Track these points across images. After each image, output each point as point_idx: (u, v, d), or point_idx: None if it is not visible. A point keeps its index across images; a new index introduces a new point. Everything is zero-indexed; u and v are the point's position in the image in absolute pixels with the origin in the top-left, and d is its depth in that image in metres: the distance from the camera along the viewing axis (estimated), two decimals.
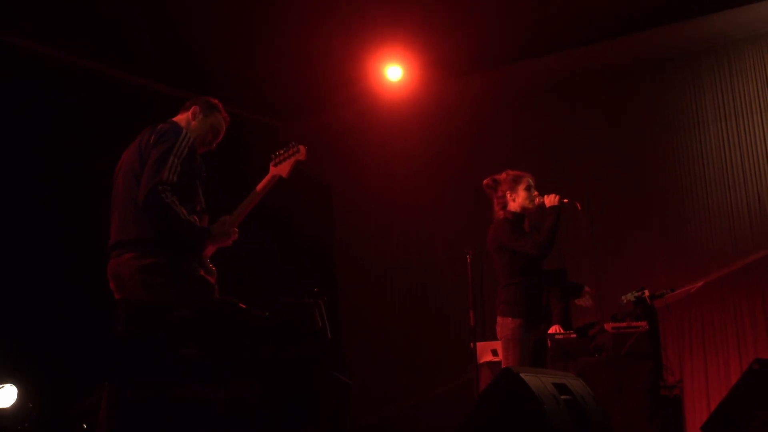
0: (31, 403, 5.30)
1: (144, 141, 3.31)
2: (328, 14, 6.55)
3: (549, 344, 5.04)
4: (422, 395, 7.91)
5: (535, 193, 4.52)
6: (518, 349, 4.28)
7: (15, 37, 6.41)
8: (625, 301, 5.92)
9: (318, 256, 8.57)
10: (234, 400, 3.06)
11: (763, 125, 6.97)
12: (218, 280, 3.38)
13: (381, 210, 8.65)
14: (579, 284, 4.88)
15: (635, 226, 7.37)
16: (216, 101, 3.62)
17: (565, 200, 4.43)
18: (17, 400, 5.25)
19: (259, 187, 3.51)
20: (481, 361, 5.85)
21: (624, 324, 5.60)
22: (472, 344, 5.48)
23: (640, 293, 5.84)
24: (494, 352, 5.79)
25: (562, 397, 3.08)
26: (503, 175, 4.60)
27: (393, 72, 7.54)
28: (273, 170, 3.53)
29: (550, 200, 4.42)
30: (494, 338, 4.75)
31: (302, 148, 3.53)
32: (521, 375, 2.99)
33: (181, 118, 3.53)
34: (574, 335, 5.49)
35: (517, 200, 4.53)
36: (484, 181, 4.65)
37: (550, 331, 5.27)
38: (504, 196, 4.57)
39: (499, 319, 4.40)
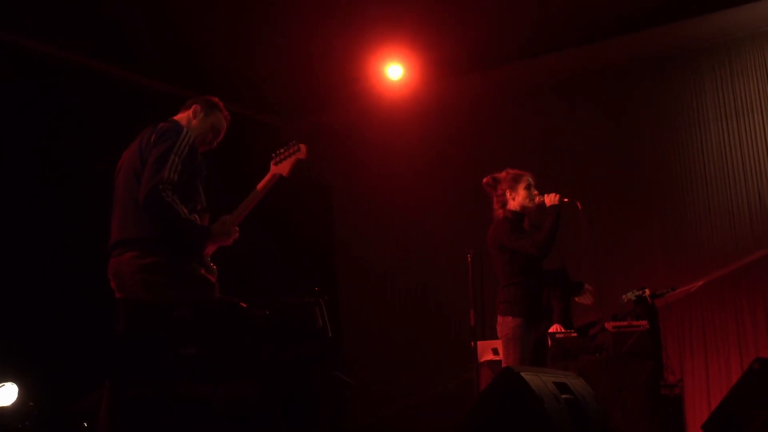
0: (31, 401, 5.30)
1: (145, 140, 3.31)
2: (328, 14, 6.55)
3: (549, 343, 5.04)
4: (422, 395, 7.90)
5: (535, 192, 4.52)
6: (519, 348, 4.27)
7: (15, 37, 6.41)
8: (625, 300, 5.92)
9: (318, 256, 8.57)
10: (234, 400, 3.06)
11: (763, 124, 6.97)
12: (219, 280, 3.38)
13: (381, 210, 8.65)
14: (579, 282, 4.88)
15: (635, 226, 7.37)
16: (217, 100, 3.62)
17: (565, 199, 4.43)
18: (18, 398, 5.25)
19: (260, 186, 3.50)
20: (482, 360, 5.85)
21: (624, 323, 5.61)
22: (472, 343, 5.48)
23: (640, 292, 5.84)
24: (495, 351, 5.79)
25: (563, 396, 3.08)
26: (503, 174, 4.59)
27: (394, 71, 7.54)
28: (274, 169, 3.53)
29: (550, 199, 4.42)
30: (495, 338, 4.75)
31: (303, 146, 3.53)
32: (522, 374, 2.99)
33: (181, 117, 3.53)
34: (575, 334, 5.49)
35: (517, 199, 4.52)
36: (484, 180, 4.65)
37: (551, 330, 5.27)
38: (504, 195, 4.56)
39: (500, 319, 4.40)
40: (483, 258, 4.99)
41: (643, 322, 5.56)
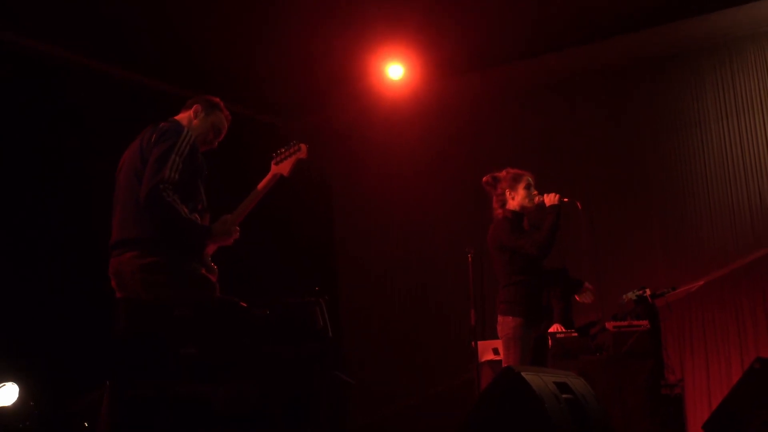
0: (32, 401, 5.31)
1: (145, 140, 3.31)
2: (328, 14, 6.55)
3: (550, 343, 5.04)
4: (422, 395, 7.90)
5: (535, 192, 4.51)
6: (519, 348, 4.27)
7: (15, 36, 6.41)
8: (626, 300, 5.91)
9: (318, 256, 8.58)
10: (234, 400, 3.05)
11: (764, 123, 6.97)
12: (219, 280, 3.38)
13: (381, 210, 8.64)
14: (579, 280, 4.88)
15: (635, 226, 7.36)
16: (218, 100, 3.62)
17: (565, 199, 4.42)
18: (18, 398, 5.25)
19: (261, 185, 3.50)
20: (482, 359, 5.85)
21: (625, 323, 5.60)
22: (473, 343, 5.47)
23: (641, 292, 5.84)
24: (495, 351, 5.79)
25: (563, 396, 3.08)
26: (503, 173, 4.59)
27: (394, 70, 7.54)
28: (274, 169, 3.53)
29: (550, 199, 4.42)
30: (495, 337, 4.75)
31: (303, 146, 3.53)
32: (522, 374, 2.98)
33: (182, 117, 3.53)
34: (575, 334, 5.49)
35: (517, 199, 4.52)
36: (484, 179, 4.64)
37: (551, 329, 5.27)
38: (503, 194, 4.56)
39: (500, 318, 4.40)
40: (483, 258, 4.99)
41: (644, 322, 5.55)
